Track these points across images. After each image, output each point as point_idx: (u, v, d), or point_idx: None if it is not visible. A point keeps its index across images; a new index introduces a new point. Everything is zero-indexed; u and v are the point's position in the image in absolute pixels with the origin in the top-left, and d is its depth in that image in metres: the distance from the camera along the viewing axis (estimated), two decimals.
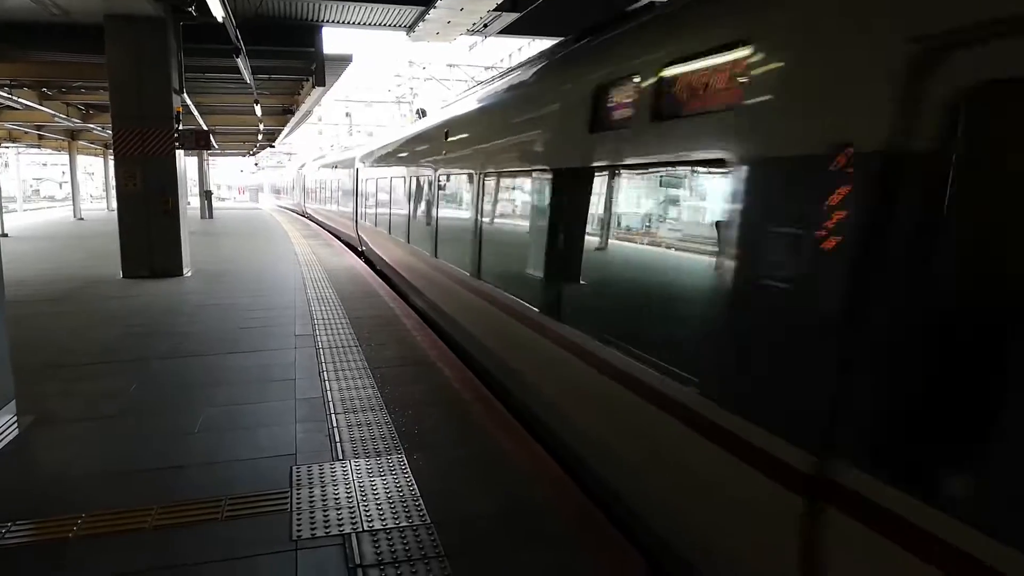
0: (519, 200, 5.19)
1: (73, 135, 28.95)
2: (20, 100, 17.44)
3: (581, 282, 3.98)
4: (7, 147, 35.12)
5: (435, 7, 10.55)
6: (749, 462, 2.41)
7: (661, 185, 3.32)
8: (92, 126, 24.51)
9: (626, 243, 3.60)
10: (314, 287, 10.51)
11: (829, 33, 2.21)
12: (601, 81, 3.79)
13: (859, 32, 2.09)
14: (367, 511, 3.41)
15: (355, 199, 16.26)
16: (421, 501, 3.51)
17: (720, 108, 2.72)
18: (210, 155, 40.74)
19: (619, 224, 3.65)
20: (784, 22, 2.43)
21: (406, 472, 3.86)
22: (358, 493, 3.60)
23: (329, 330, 7.48)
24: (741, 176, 2.54)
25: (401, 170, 10.12)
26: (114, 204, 22.23)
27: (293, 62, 14.75)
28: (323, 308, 8.77)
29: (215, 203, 36.20)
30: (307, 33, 13.14)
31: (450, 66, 35.63)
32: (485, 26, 12.34)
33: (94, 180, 65.76)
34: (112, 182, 34.08)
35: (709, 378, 2.67)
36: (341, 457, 4.07)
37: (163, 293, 10.00)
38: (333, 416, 4.76)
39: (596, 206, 3.86)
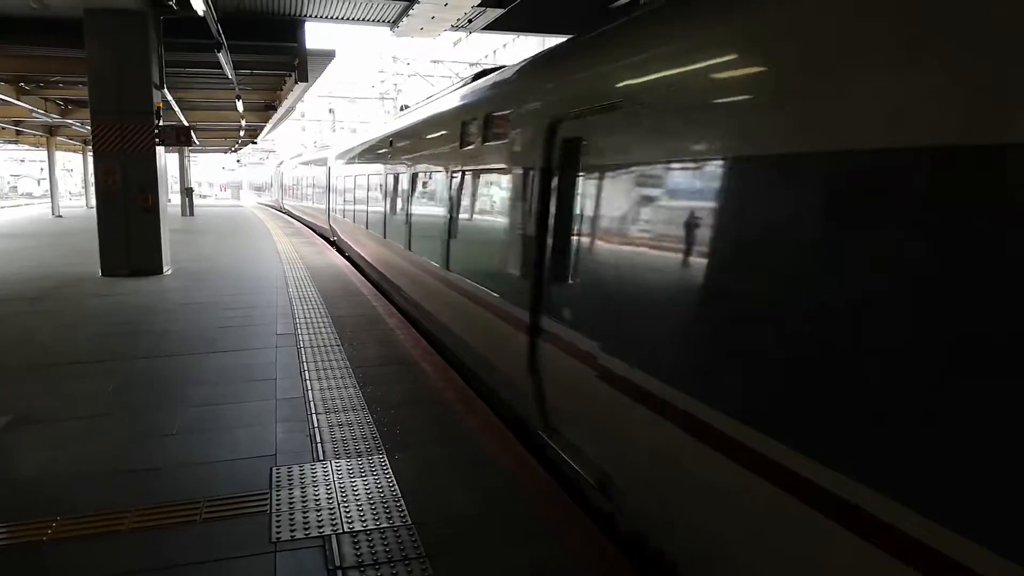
0: (428, 190, 7.49)
1: (51, 131, 28.58)
2: None
3: (452, 238, 6.33)
4: None
5: (419, 2, 10.50)
6: (514, 327, 4.42)
7: (489, 181, 5.39)
8: (71, 121, 24.19)
9: (475, 215, 5.77)
10: (296, 286, 10.44)
11: (528, 117, 4.45)
12: (463, 118, 6.07)
13: (535, 117, 4.29)
14: (347, 512, 3.38)
15: (328, 194, 17.96)
16: (402, 502, 3.49)
17: (504, 139, 4.91)
18: (191, 151, 40.33)
19: (472, 203, 5.82)
20: (519, 109, 4.73)
21: (387, 472, 3.84)
22: (339, 494, 3.57)
23: (311, 329, 7.43)
24: (513, 175, 4.64)
25: (362, 169, 12.35)
26: (93, 201, 22.34)
27: (275, 57, 14.62)
28: (305, 307, 8.71)
29: (196, 200, 35.85)
30: (289, 28, 13.03)
31: (434, 62, 35.51)
32: (470, 22, 12.31)
33: (73, 177, 64.92)
34: (91, 179, 33.63)
35: (500, 287, 4.82)
36: (322, 458, 4.04)
37: (143, 292, 9.89)
38: (314, 416, 4.73)
39: (463, 194, 6.08)
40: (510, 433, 4.50)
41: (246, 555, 3.01)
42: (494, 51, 59.60)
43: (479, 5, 10.87)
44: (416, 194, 7.99)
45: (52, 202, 30.85)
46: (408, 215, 8.30)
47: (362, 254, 12.56)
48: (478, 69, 8.59)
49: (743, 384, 2.31)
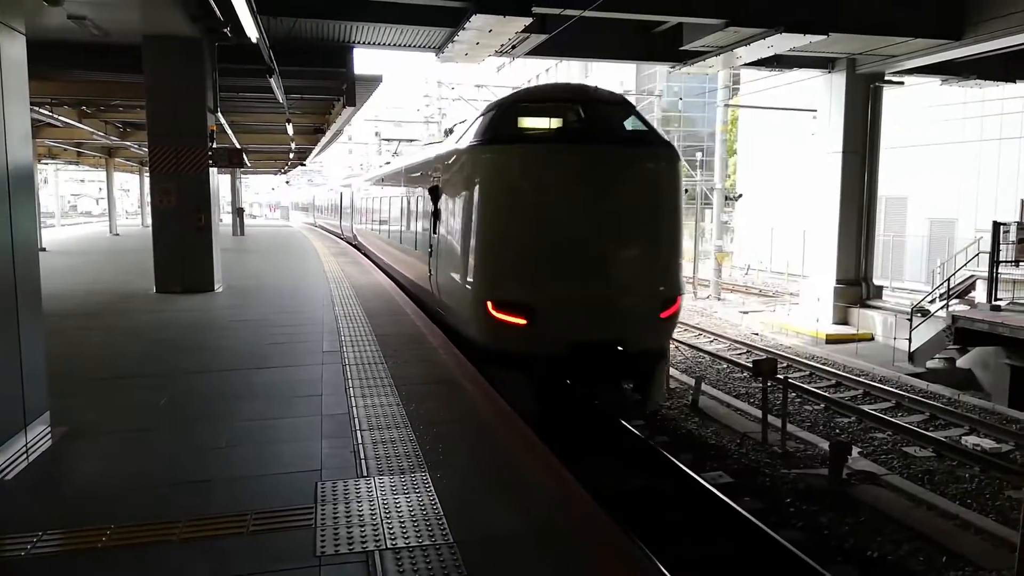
0: (390, 208, 14.57)
1: (110, 152, 29.61)
2: (60, 118, 17.92)
3: (401, 228, 12.88)
4: (46, 163, 36.02)
5: (464, 29, 10.68)
6: (423, 259, 10.19)
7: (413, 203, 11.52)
8: (129, 144, 25.08)
9: (408, 219, 12.06)
10: (342, 304, 10.61)
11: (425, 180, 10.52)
12: (425, 170, 10.85)
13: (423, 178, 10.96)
14: (390, 529, 3.41)
15: (351, 211, 25.13)
16: (444, 520, 3.51)
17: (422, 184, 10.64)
18: (242, 173, 41.35)
19: (406, 213, 12.18)
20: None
21: (429, 490, 3.86)
22: (382, 510, 3.61)
23: (356, 347, 7.53)
24: (419, 200, 10.77)
25: (363, 195, 20.78)
26: (148, 220, 23.97)
27: (325, 82, 15.00)
28: (350, 325, 8.84)
29: (247, 220, 36.69)
30: (339, 54, 13.35)
31: (478, 86, 35.96)
32: (513, 47, 12.45)
33: (129, 196, 67.08)
34: (147, 198, 34.80)
35: (419, 245, 10.66)
36: (366, 474, 4.09)
37: (195, 308, 10.15)
38: (358, 433, 4.79)
39: (403, 209, 12.47)
40: (553, 455, 4.49)
41: (292, 568, 3.05)
42: (536, 75, 59.97)
43: (522, 31, 11.00)
44: (384, 209, 15.56)
45: (110, 221, 31.90)
46: (380, 219, 16.24)
47: (361, 241, 21.95)
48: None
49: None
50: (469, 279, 7.95)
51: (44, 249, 20.60)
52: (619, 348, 7.63)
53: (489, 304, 7.61)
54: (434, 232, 9.22)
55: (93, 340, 7.98)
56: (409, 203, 11.91)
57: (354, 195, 23.40)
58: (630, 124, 8.38)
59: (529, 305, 7.47)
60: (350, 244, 24.88)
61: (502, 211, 7.80)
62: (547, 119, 8.68)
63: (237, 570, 3.05)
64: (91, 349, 7.47)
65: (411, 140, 28.55)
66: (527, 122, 8.46)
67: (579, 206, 7.57)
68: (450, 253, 8.57)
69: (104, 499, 3.77)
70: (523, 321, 7.50)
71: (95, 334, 8.35)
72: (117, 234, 29.96)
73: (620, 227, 7.76)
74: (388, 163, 19.00)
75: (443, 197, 8.96)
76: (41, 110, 16.44)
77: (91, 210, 73.97)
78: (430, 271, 9.61)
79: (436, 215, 9.14)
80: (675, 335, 11.22)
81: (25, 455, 4.17)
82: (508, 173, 7.85)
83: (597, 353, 7.61)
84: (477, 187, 7.92)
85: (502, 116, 8.21)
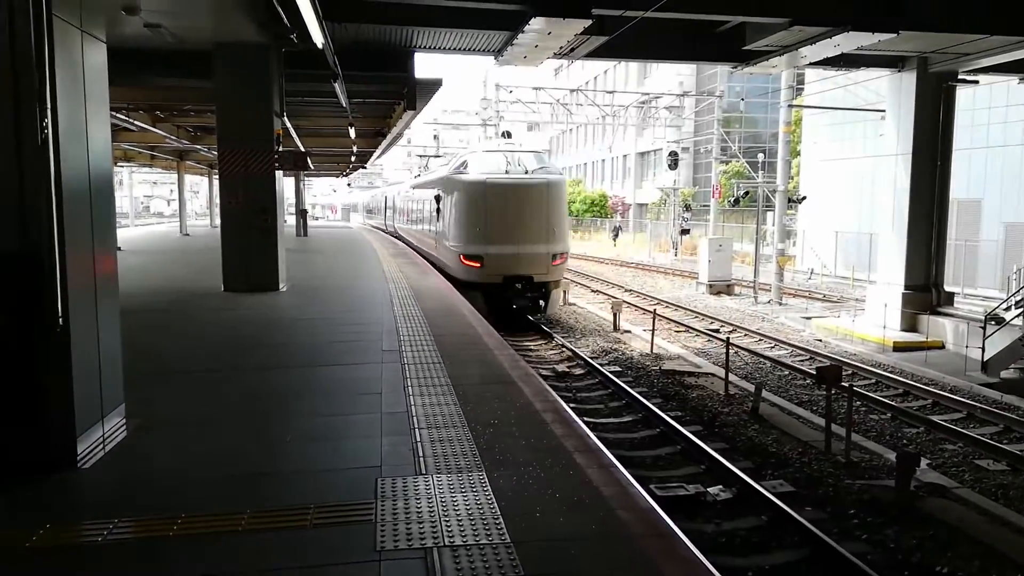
0: (413, 208, 25.03)
1: (182, 155, 30.70)
2: (136, 122, 18.69)
3: (416, 229, 23.81)
4: (122, 166, 37.59)
5: (523, 32, 10.72)
6: (436, 239, 18.77)
7: (427, 204, 20.50)
8: (199, 147, 25.98)
9: (424, 216, 21.32)
10: (400, 304, 10.77)
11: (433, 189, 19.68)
12: (434, 185, 19.58)
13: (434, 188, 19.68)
14: (448, 526, 3.46)
15: (394, 211, 33.71)
16: (501, 519, 3.53)
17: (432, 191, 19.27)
18: (306, 175, 42.34)
19: (422, 213, 22.01)
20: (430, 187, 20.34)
21: (486, 490, 3.89)
22: (440, 508, 3.66)
23: (414, 346, 7.64)
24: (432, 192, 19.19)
25: (400, 198, 29.89)
26: (217, 221, 26.24)
27: (387, 86, 15.24)
28: (409, 325, 8.97)
29: (309, 222, 37.58)
30: (400, 59, 13.56)
31: (536, 89, 36.02)
32: (572, 50, 12.44)
33: (199, 198, 69.47)
34: (215, 200, 36.22)
35: (433, 231, 19.15)
36: (424, 472, 4.15)
37: (260, 307, 10.46)
38: (417, 431, 4.86)
39: (422, 210, 22.06)
40: (613, 458, 4.48)
41: (353, 562, 3.13)
42: (594, 77, 59.69)
43: (582, 33, 10.97)
44: (411, 208, 25.09)
45: (180, 221, 33.09)
46: (409, 214, 25.57)
47: (398, 231, 30.29)
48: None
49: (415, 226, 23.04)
50: (453, 244, 16.38)
51: (120, 248, 21.48)
52: (530, 279, 15.69)
53: (461, 256, 15.88)
54: (438, 220, 18.11)
55: (164, 336, 8.31)
56: (425, 204, 21.08)
57: (394, 199, 34.13)
58: (537, 163, 16.74)
59: (481, 257, 15.59)
60: (390, 234, 34.32)
61: (469, 210, 16.00)
62: (493, 162, 16.43)
63: (300, 562, 3.14)
64: (162, 344, 7.78)
65: (438, 155, 41.44)
66: (483, 164, 16.49)
67: (508, 207, 15.65)
68: (445, 232, 17.16)
69: (174, 489, 3.93)
70: (478, 265, 15.62)
71: (166, 330, 8.70)
72: (187, 234, 31.05)
73: (530, 218, 15.71)
74: (418, 176, 29.42)
75: (442, 201, 17.68)
76: (118, 115, 17.18)
77: (163, 211, 76.91)
78: (436, 242, 18.42)
79: (438, 211, 17.99)
80: (734, 340, 14.35)
81: (102, 445, 4.37)
82: (472, 190, 16.01)
83: (518, 281, 15.65)
84: (457, 196, 16.43)
85: (470, 159, 17.06)
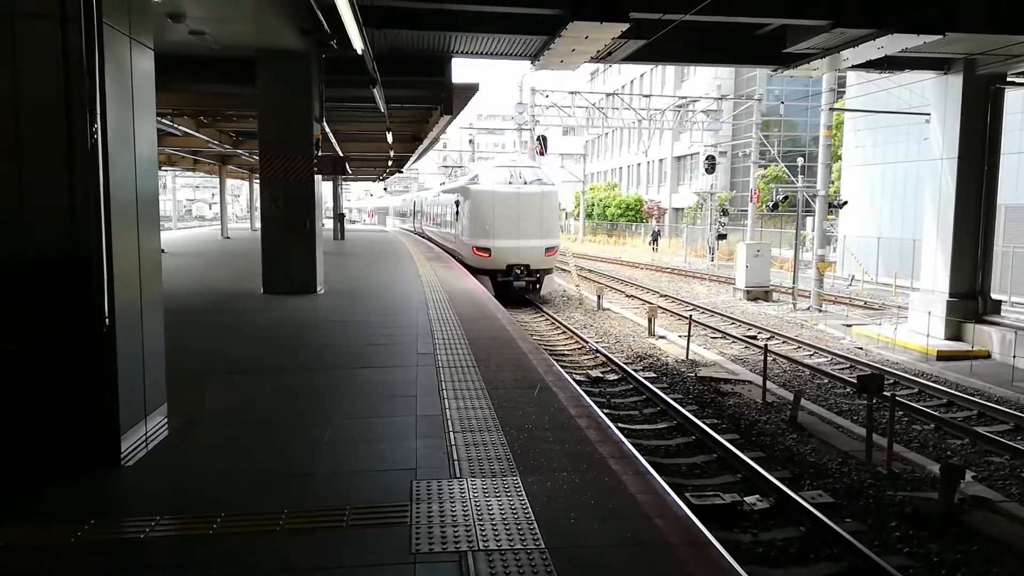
0: (447, 213, 26.21)
1: (223, 160, 31.28)
2: (180, 128, 19.11)
3: (440, 229, 28.57)
4: (166, 170, 38.44)
5: (560, 36, 10.71)
6: (455, 237, 23.70)
7: (448, 207, 25.66)
8: (241, 152, 26.45)
9: (446, 218, 26.31)
10: (435, 308, 10.83)
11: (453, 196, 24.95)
12: (451, 194, 25.56)
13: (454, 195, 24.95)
14: (483, 531, 3.46)
15: (421, 214, 38.46)
16: (535, 525, 3.53)
17: (453, 197, 24.49)
18: (343, 179, 42.88)
19: (444, 215, 27.48)
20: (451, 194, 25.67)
21: (520, 495, 3.89)
22: (474, 512, 3.67)
23: (449, 350, 7.68)
24: (452, 199, 24.41)
25: (427, 204, 35.53)
26: (257, 224, 28.22)
27: (424, 92, 15.36)
28: (443, 328, 9.02)
29: (346, 225, 38.02)
30: (438, 64, 13.66)
31: (572, 93, 36.00)
32: (609, 54, 12.40)
33: (239, 202, 70.74)
34: (255, 204, 36.97)
35: (454, 231, 23.75)
36: (458, 475, 4.16)
37: (299, 309, 10.60)
38: (451, 434, 4.88)
39: (449, 213, 25.23)
40: (648, 466, 4.45)
41: (389, 564, 3.15)
42: (631, 81, 59.35)
43: (619, 37, 10.92)
44: (435, 212, 30.61)
45: (222, 224, 33.70)
46: (434, 215, 30.76)
47: (425, 231, 34.61)
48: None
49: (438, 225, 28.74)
50: (467, 239, 20.75)
51: (164, 251, 21.98)
52: (527, 266, 19.99)
53: (474, 248, 20.12)
54: (456, 219, 22.67)
55: (206, 336, 8.47)
56: (446, 208, 25.90)
57: (421, 204, 39.41)
58: (534, 176, 21.17)
59: (489, 249, 19.83)
60: (417, 234, 38.65)
61: (480, 212, 20.46)
62: (499, 175, 21.19)
63: (337, 563, 3.17)
64: (203, 345, 7.93)
65: (461, 166, 47.86)
66: (492, 176, 21.40)
67: (512, 211, 20.04)
68: (462, 229, 21.61)
69: (214, 487, 4.00)
70: (487, 255, 19.90)
71: (207, 330, 8.86)
72: (228, 237, 31.62)
73: (527, 219, 20.07)
74: (442, 184, 35.96)
75: (459, 205, 22.19)
76: (163, 120, 17.58)
77: (204, 215, 78.49)
78: (455, 238, 22.95)
79: (457, 213, 22.66)
80: (772, 347, 14.30)
81: (145, 443, 4.46)
82: (483, 197, 20.61)
83: (518, 268, 19.91)
84: (470, 202, 20.84)
85: (481, 173, 22.11)
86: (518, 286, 20.22)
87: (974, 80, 15.39)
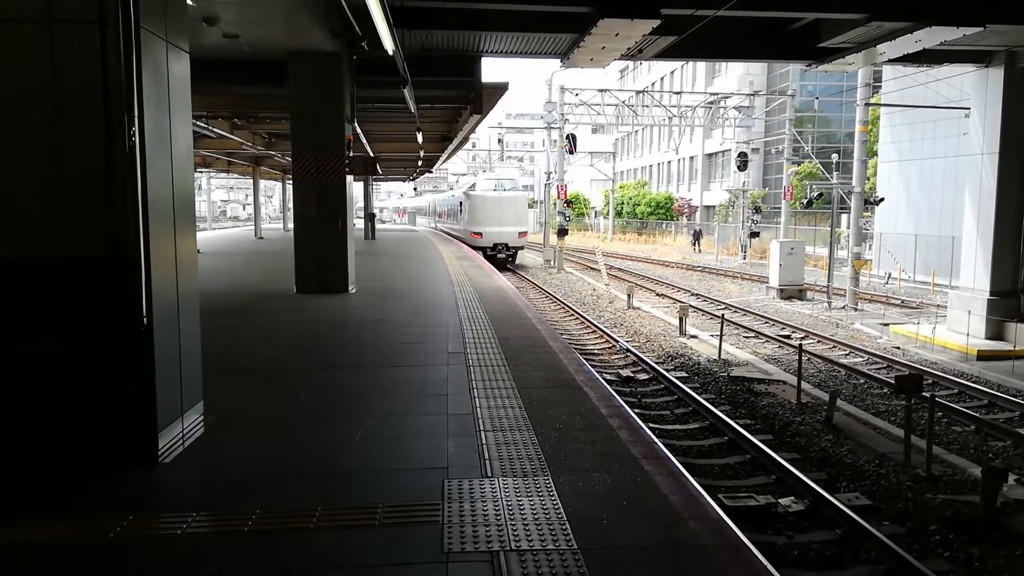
0: (455, 210, 38.05)
1: (257, 161, 31.71)
2: (215, 130, 19.40)
3: (450, 222, 40.52)
4: (201, 172, 39.07)
5: (590, 34, 10.65)
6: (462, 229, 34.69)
7: (455, 207, 38.30)
8: (274, 153, 26.79)
9: (453, 216, 39.12)
10: (465, 307, 10.85)
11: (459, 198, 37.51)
12: (456, 196, 38.87)
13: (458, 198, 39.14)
14: (515, 530, 3.45)
15: (435, 213, 49.14)
16: (567, 525, 3.51)
17: (458, 199, 36.98)
18: (374, 179, 43.30)
19: (449, 213, 40.97)
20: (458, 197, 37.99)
21: (552, 495, 3.87)
22: (506, 511, 3.66)
23: (479, 349, 7.69)
24: (458, 200, 36.66)
25: (438, 204, 49.78)
26: (289, 225, 28.80)
27: (454, 91, 15.42)
28: (474, 327, 9.03)
29: (377, 225, 38.32)
30: (467, 64, 13.69)
31: (601, 91, 35.81)
32: (640, 51, 12.30)
33: (272, 202, 71.67)
34: (288, 204, 37.56)
35: (462, 225, 35.16)
36: (490, 474, 4.16)
37: (331, 308, 10.70)
38: (482, 433, 4.88)
39: (449, 211, 41.58)
40: (680, 467, 4.40)
41: (421, 562, 3.16)
42: (661, 78, 58.91)
43: (650, 34, 10.82)
44: (446, 211, 42.33)
45: (255, 225, 34.18)
46: (447, 213, 41.83)
47: (438, 228, 44.87)
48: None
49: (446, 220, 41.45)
50: (467, 226, 32.62)
51: (199, 251, 22.32)
52: (507, 245, 31.38)
53: (471, 232, 31.65)
54: (460, 214, 34.84)
55: (240, 335, 8.58)
56: (454, 207, 37.95)
57: (436, 205, 50.28)
58: (511, 184, 34.02)
59: (481, 233, 31.18)
60: (432, 226, 49.64)
61: (476, 208, 32.14)
62: (489, 184, 33.92)
63: (369, 561, 3.19)
64: (238, 343, 8.04)
65: (465, 173, 58.85)
66: (484, 185, 34.10)
67: (496, 208, 31.83)
68: (465, 220, 33.21)
69: (249, 484, 4.04)
70: (480, 237, 31.01)
71: (242, 330, 8.98)
72: (261, 237, 32.05)
73: (507, 213, 31.78)
74: (450, 189, 47.61)
75: (463, 204, 34.20)
76: (198, 122, 17.86)
77: (238, 215, 79.65)
78: (461, 226, 34.04)
79: (461, 209, 34.81)
80: (807, 347, 13.75)
81: (181, 441, 4.53)
82: (478, 198, 32.58)
83: (500, 245, 31.04)
84: (470, 202, 32.86)
85: (477, 183, 35.27)
86: (500, 257, 30.32)
87: (1015, 73, 14.98)
